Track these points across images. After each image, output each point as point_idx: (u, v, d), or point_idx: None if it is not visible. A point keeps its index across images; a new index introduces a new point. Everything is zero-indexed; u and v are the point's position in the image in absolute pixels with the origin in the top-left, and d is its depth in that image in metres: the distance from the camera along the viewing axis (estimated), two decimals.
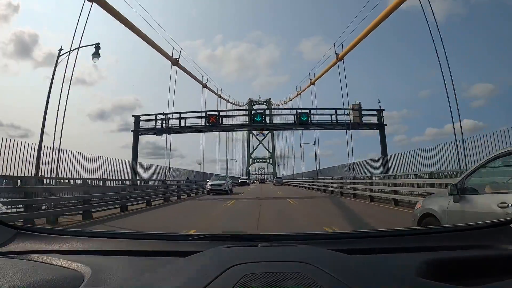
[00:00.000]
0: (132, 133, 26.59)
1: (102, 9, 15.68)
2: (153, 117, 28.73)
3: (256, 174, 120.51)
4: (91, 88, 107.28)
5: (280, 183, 44.44)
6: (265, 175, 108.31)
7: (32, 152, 7.36)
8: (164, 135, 25.71)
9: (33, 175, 7.49)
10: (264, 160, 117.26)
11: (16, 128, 71.16)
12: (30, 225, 4.00)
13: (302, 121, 27.36)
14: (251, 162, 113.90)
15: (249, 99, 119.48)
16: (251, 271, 0.77)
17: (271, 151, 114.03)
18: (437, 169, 9.65)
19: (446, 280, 0.90)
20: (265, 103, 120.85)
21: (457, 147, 9.33)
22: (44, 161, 8.19)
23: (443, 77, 12.70)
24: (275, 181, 48.61)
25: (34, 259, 1.04)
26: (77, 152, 9.33)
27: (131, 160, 15.88)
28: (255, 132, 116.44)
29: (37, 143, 8.41)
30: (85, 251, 1.14)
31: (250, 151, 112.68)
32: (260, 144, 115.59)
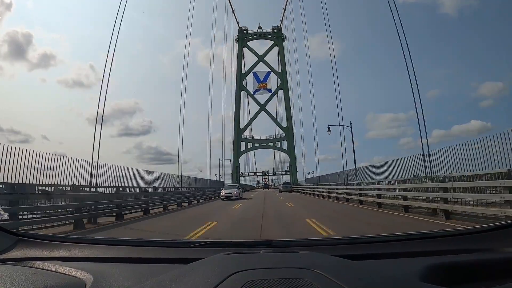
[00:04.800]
0: (134, 138, 20.94)
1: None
2: None
3: (255, 174, 79.05)
4: (89, 90, 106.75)
5: (287, 190, 39.67)
6: (270, 177, 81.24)
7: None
8: None
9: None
10: (270, 144, 54.15)
11: (16, 133, 69.96)
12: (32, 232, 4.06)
13: None
14: (243, 149, 51.66)
15: (240, 29, 63.54)
16: (254, 277, 0.84)
17: (284, 125, 51.86)
18: None
19: (450, 284, 1.00)
20: (270, 37, 63.15)
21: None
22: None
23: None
24: (281, 187, 43.03)
25: (36, 266, 1.14)
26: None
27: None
28: (250, 88, 56.76)
29: (38, 149, 8.39)
30: (87, 258, 1.25)
31: (242, 126, 51.49)
32: (261, 113, 52.98)
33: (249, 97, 63.98)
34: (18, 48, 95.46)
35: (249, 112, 65.35)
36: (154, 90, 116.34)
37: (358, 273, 0.91)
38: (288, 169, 62.73)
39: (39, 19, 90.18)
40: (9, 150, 7.34)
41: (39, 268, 1.11)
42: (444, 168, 10.17)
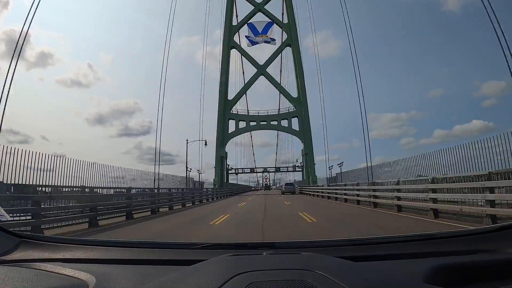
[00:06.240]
0: (134, 138, 18.66)
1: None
2: None
3: (252, 171, 59.92)
4: (88, 90, 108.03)
5: (291, 191, 36.78)
6: (274, 175, 76.78)
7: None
8: None
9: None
10: (274, 122, 30.05)
11: (16, 134, 69.75)
12: (35, 233, 4.52)
13: None
14: (233, 130, 27.55)
15: None
16: (256, 279, 0.86)
17: (295, 96, 27.54)
18: None
19: (454, 285, 1.04)
20: None
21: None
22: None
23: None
24: (284, 188, 39.59)
25: (38, 268, 1.17)
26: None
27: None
28: (244, 46, 32.88)
29: (38, 150, 7.51)
30: (89, 260, 1.29)
31: (230, 97, 27.60)
32: (260, 78, 28.79)
33: (243, 58, 45.37)
34: (16, 47, 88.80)
35: (244, 81, 46.68)
36: (153, 89, 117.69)
37: (361, 275, 0.93)
38: (301, 162, 44.03)
39: (36, 17, 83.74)
40: (9, 151, 7.91)
41: (41, 270, 1.15)
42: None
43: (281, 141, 73.33)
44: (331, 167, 38.03)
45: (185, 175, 37.13)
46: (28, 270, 1.13)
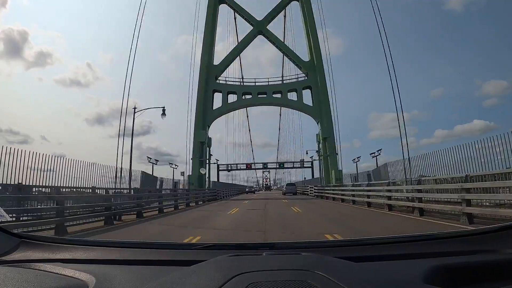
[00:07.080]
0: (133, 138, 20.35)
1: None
2: None
3: (249, 167, 48.26)
4: (87, 90, 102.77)
5: (292, 192, 35.46)
6: (276, 174, 73.49)
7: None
8: None
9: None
10: (276, 95, 14.42)
11: (15, 134, 71.23)
12: (34, 233, 4.13)
13: None
14: (219, 106, 11.69)
15: None
16: (256, 280, 0.87)
17: (306, 60, 11.77)
18: None
19: (454, 286, 1.05)
20: None
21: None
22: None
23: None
24: (285, 189, 38.33)
25: (38, 268, 1.19)
26: None
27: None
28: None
29: (37, 150, 8.17)
30: (89, 260, 1.30)
31: (216, 62, 12.19)
32: (258, 39, 13.61)
33: (235, 14, 34.27)
34: (14, 46, 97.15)
35: (237, 40, 35.53)
36: (153, 89, 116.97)
37: (361, 275, 0.95)
38: (318, 151, 32.87)
39: (35, 16, 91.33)
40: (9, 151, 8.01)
41: (41, 270, 1.15)
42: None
43: (284, 126, 62.58)
44: (357, 159, 27.32)
45: (184, 175, 26.23)
46: (28, 270, 1.14)
